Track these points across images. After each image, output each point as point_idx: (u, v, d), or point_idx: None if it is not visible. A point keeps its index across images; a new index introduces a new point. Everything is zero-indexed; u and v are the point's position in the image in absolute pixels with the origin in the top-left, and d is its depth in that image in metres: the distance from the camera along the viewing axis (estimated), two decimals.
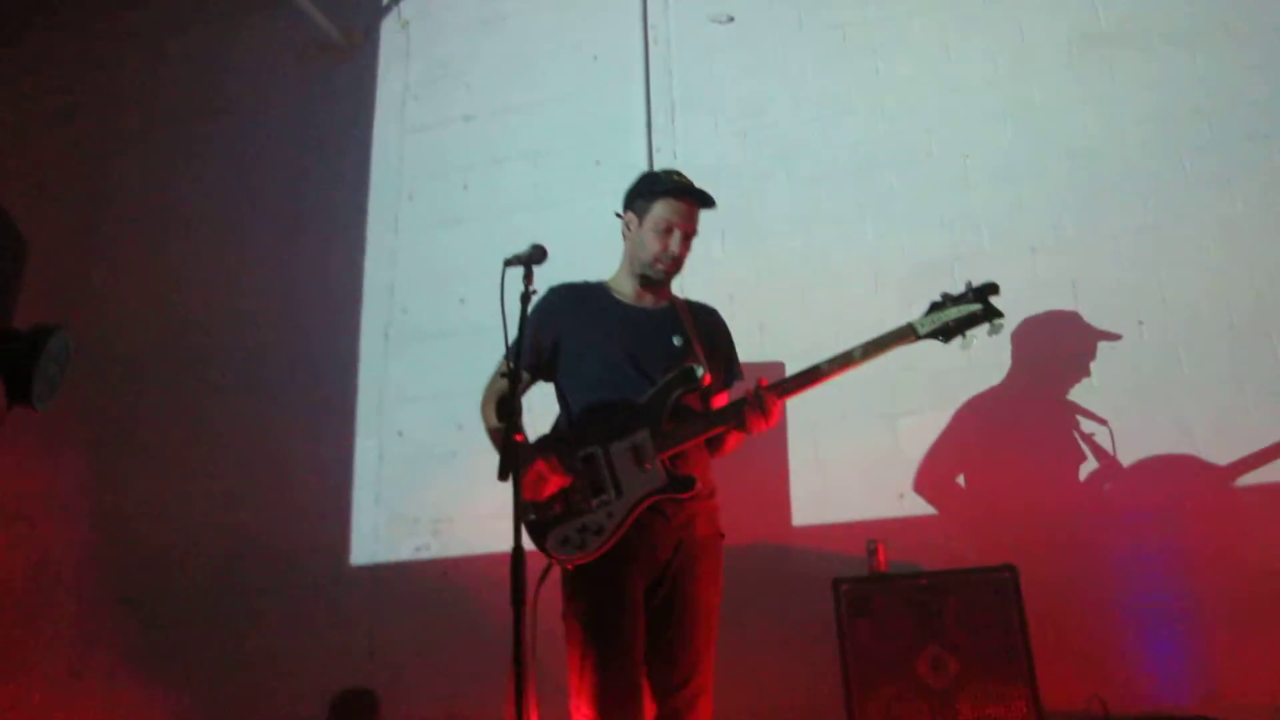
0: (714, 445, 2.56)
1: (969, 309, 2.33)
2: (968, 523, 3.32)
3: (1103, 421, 3.30)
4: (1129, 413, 3.30)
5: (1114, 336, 3.40)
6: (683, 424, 2.39)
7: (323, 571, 3.99)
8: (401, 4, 4.87)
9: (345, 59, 4.83)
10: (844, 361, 2.39)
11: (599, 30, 4.47)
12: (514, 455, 2.14)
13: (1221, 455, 3.19)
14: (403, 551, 3.96)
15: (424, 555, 3.92)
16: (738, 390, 2.57)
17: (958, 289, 3.46)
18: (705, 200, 2.54)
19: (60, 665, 4.11)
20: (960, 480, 3.48)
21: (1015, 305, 3.50)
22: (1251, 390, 3.25)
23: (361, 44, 4.84)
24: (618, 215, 2.64)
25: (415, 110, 4.66)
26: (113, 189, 4.94)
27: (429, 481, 3.99)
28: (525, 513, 2.32)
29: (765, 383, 2.38)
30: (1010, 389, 3.48)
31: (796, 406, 3.64)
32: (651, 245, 2.52)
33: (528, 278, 2.32)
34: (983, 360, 3.51)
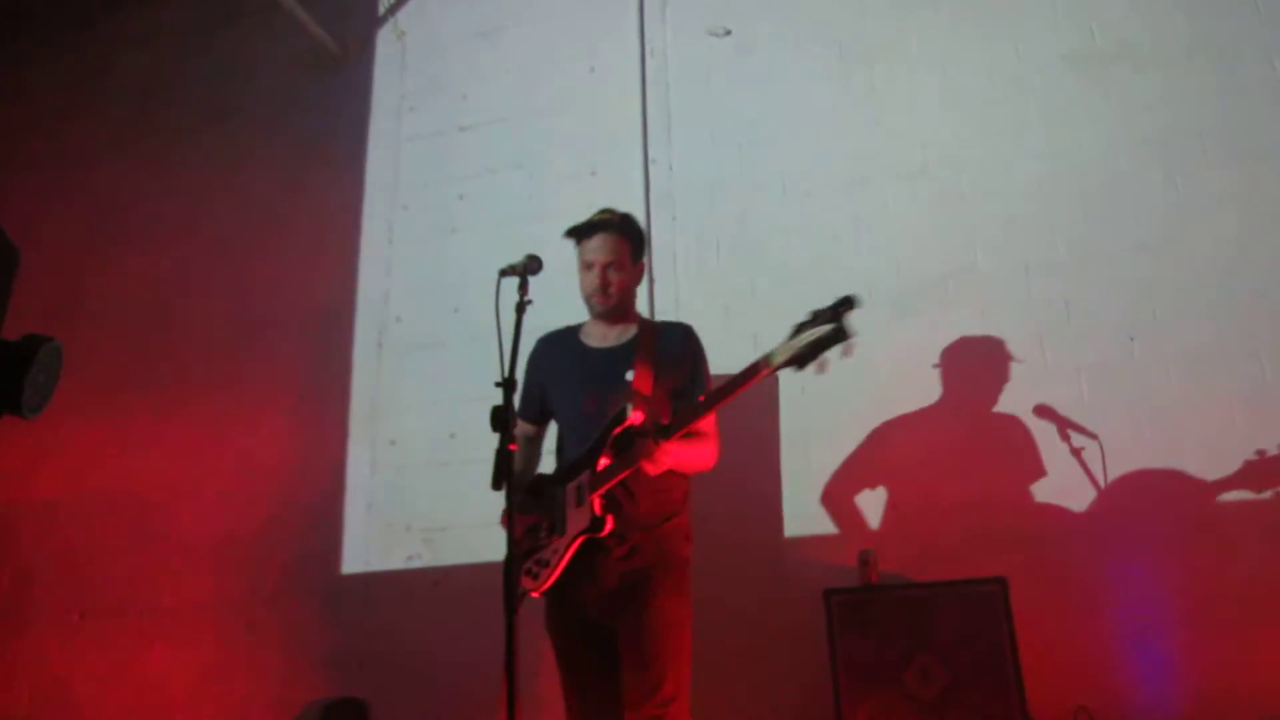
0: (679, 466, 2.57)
1: (819, 333, 2.22)
2: (958, 535, 3.33)
3: (1093, 436, 3.32)
4: (1119, 429, 3.32)
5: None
6: (613, 464, 2.46)
7: (314, 579, 3.99)
8: (398, 14, 4.90)
9: (341, 69, 4.85)
10: (715, 400, 2.42)
11: (596, 42, 4.50)
12: (508, 465, 2.22)
13: (1209, 472, 3.21)
14: (394, 560, 3.95)
15: (416, 564, 3.92)
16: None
17: (945, 302, 3.53)
18: (608, 226, 2.67)
19: (46, 675, 4.10)
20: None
21: (1008, 322, 3.58)
22: (1240, 408, 3.28)
23: (358, 54, 4.86)
24: None
25: (411, 120, 4.68)
26: (105, 197, 4.95)
27: (421, 490, 3.99)
28: (509, 549, 2.46)
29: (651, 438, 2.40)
30: (993, 403, 3.50)
31: (789, 417, 3.68)
32: (583, 285, 2.71)
33: (523, 288, 2.38)
34: (978, 375, 3.54)
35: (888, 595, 2.99)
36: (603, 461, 2.47)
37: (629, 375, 2.59)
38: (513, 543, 2.48)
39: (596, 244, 2.67)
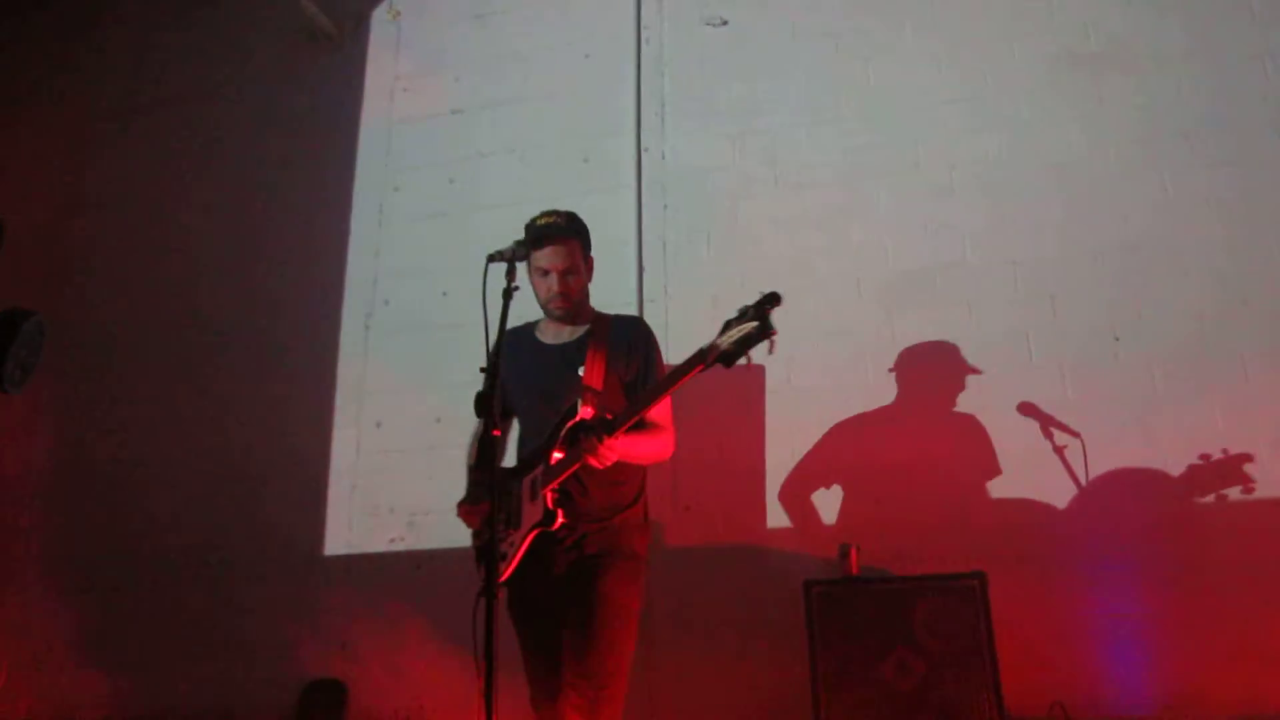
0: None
1: (745, 330, 2.21)
2: (939, 530, 3.35)
3: (1076, 435, 3.35)
4: (1102, 427, 3.34)
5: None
6: (564, 458, 2.48)
7: (296, 561, 3.99)
8: None
9: (334, 48, 4.81)
10: (651, 397, 2.43)
11: (592, 28, 4.48)
12: (490, 450, 2.29)
13: (1190, 470, 3.24)
14: (377, 543, 3.95)
15: (398, 548, 3.92)
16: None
17: (932, 297, 3.53)
18: (560, 231, 2.62)
19: (26, 653, 4.08)
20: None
21: (995, 317, 3.60)
22: (1221, 408, 3.31)
23: (351, 34, 4.83)
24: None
25: (403, 102, 4.65)
26: (95, 176, 4.91)
27: (406, 474, 3.99)
28: (473, 539, 2.69)
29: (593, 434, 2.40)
30: (977, 399, 3.52)
31: (774, 410, 3.69)
32: (539, 291, 2.69)
33: (510, 274, 2.39)
34: (964, 371, 3.56)
35: (867, 588, 3.01)
36: (555, 456, 2.49)
37: (580, 371, 2.60)
38: (476, 536, 2.64)
39: (550, 252, 2.62)
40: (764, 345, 2.20)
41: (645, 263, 4.04)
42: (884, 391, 3.58)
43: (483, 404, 2.25)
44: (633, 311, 3.84)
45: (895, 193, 3.88)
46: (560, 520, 2.47)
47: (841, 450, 3.57)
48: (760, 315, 2.21)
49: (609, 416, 2.43)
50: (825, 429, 3.58)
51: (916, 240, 3.78)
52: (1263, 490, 3.15)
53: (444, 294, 4.18)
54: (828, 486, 3.56)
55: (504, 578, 2.49)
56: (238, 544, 4.05)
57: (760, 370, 3.71)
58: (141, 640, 4.01)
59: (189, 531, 4.12)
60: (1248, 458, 3.17)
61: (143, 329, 4.52)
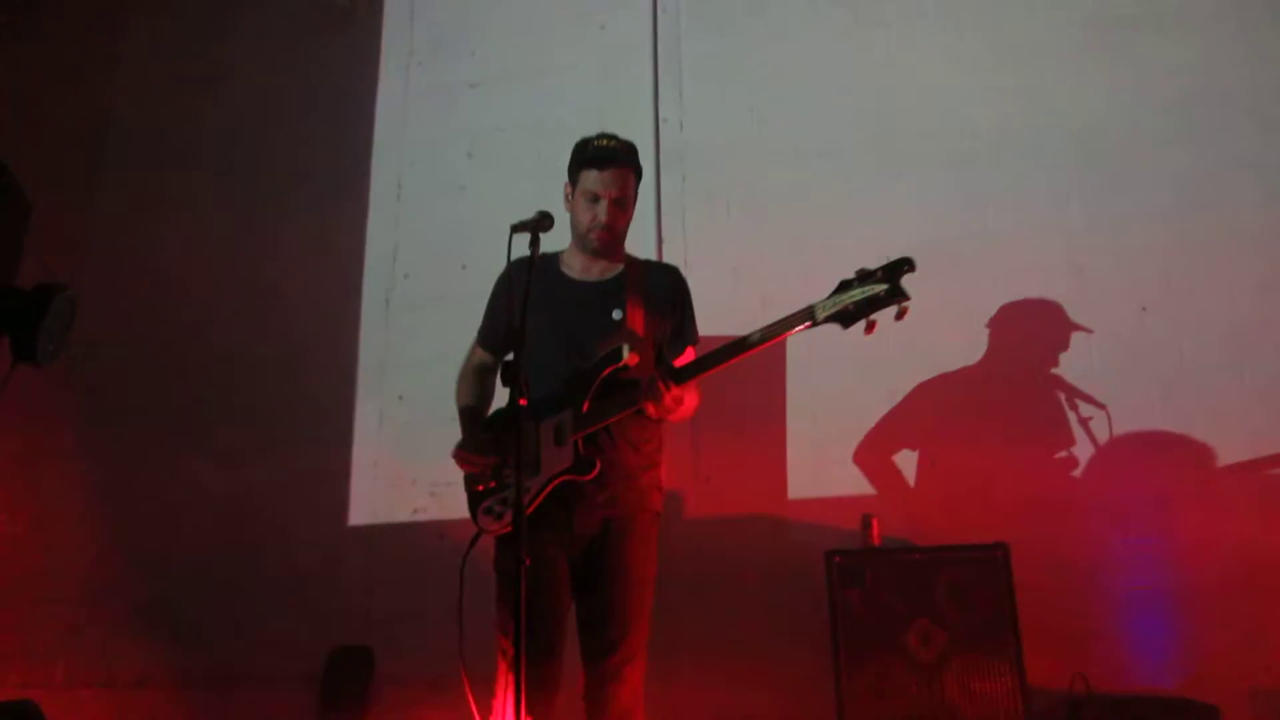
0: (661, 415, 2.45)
1: (873, 290, 2.14)
2: (962, 501, 3.35)
3: (1102, 407, 3.32)
4: (1127, 399, 3.32)
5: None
6: (601, 405, 2.36)
7: (322, 532, 4.04)
8: None
9: (350, 22, 4.79)
10: (741, 348, 2.30)
11: None
12: (518, 419, 2.12)
13: (1216, 443, 3.22)
14: (400, 514, 3.99)
15: (421, 518, 3.96)
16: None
17: (956, 267, 3.50)
18: (623, 158, 2.48)
19: (64, 620, 4.15)
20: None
21: (1020, 289, 3.56)
22: (1250, 380, 3.27)
23: (366, 7, 4.80)
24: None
25: (419, 76, 4.63)
26: (113, 155, 4.92)
27: (428, 445, 3.95)
28: (467, 485, 2.50)
29: (659, 379, 2.31)
30: (1003, 370, 3.50)
31: (795, 381, 3.68)
32: (582, 216, 2.51)
33: (534, 244, 2.33)
34: (981, 340, 3.54)
35: (889, 558, 3.01)
36: (588, 403, 2.35)
37: (616, 314, 2.46)
38: (473, 482, 2.44)
39: (606, 177, 2.45)
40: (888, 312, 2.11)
41: (665, 234, 4.02)
42: (907, 363, 3.55)
43: (509, 373, 2.15)
44: None
45: (917, 162, 3.83)
46: (597, 469, 2.32)
47: (882, 419, 3.54)
48: (891, 279, 2.13)
49: (677, 368, 2.32)
50: (846, 401, 3.57)
51: (940, 210, 3.74)
52: None
53: (463, 267, 4.18)
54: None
55: (506, 529, 2.34)
56: (264, 516, 4.10)
57: (782, 341, 3.69)
58: (175, 607, 4.07)
59: (216, 504, 4.16)
60: None
61: (163, 304, 4.52)
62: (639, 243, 3.90)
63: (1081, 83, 3.74)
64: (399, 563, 3.91)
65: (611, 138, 2.52)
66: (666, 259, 3.96)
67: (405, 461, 4.05)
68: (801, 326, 2.22)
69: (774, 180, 3.98)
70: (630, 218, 2.57)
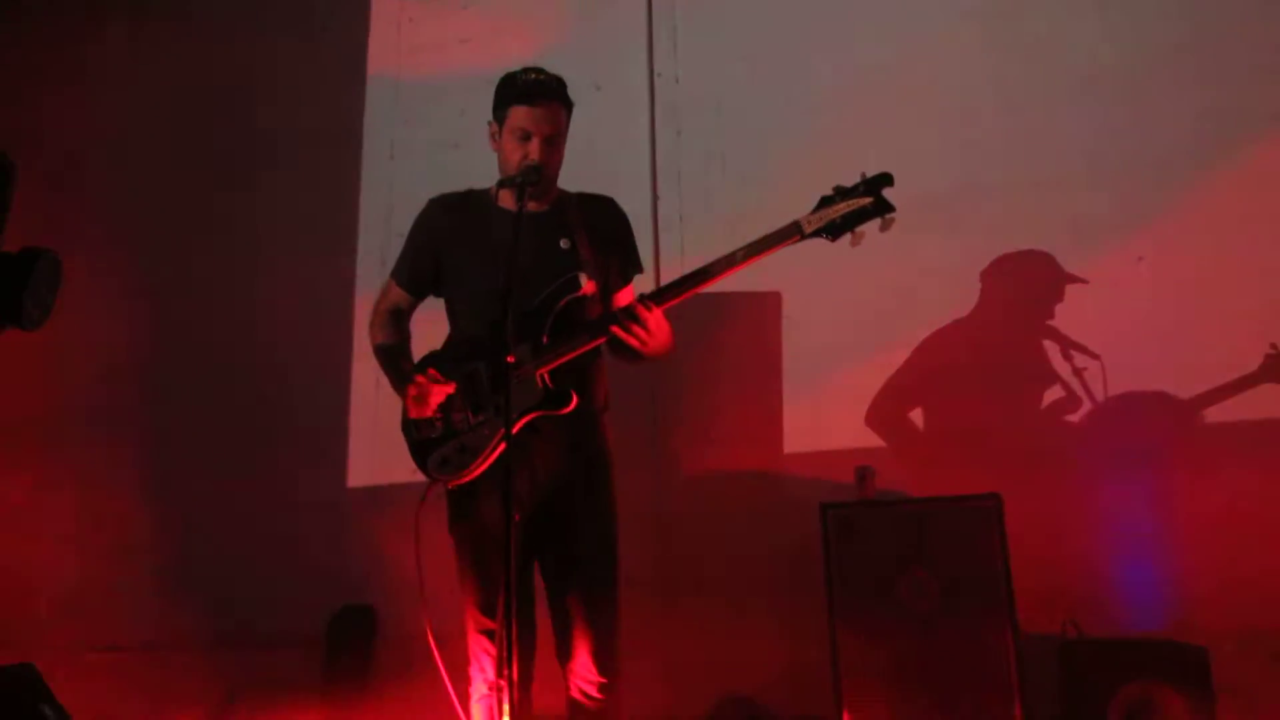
0: (619, 353, 2.37)
1: (857, 203, 2.18)
2: (956, 452, 3.37)
3: (1096, 357, 3.33)
4: (1122, 349, 3.32)
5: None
6: (562, 338, 2.26)
7: (322, 491, 4.08)
8: None
9: None
10: (727, 264, 2.24)
11: None
12: (508, 378, 2.05)
13: (1207, 392, 3.23)
14: (399, 474, 4.01)
15: (420, 477, 3.97)
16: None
17: (953, 219, 3.48)
18: (553, 92, 2.36)
19: (68, 583, 4.20)
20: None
21: (1016, 240, 3.55)
22: (1244, 331, 3.27)
23: None
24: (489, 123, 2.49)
25: (411, 32, 4.57)
26: (104, 108, 4.86)
27: None
28: (409, 432, 2.39)
29: (637, 305, 2.22)
30: (997, 321, 3.50)
31: (790, 334, 3.69)
32: (509, 156, 2.37)
33: (521, 200, 2.26)
34: (974, 293, 3.54)
35: (883, 510, 3.03)
36: (547, 335, 2.25)
37: (563, 243, 2.35)
38: (414, 431, 2.35)
39: (535, 114, 2.31)
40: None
41: (660, 191, 3.99)
42: (900, 315, 3.56)
43: (501, 336, 2.07)
44: (648, 240, 3.82)
45: (913, 113, 3.78)
46: (574, 403, 2.22)
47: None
48: (874, 191, 2.16)
49: (657, 289, 2.25)
50: (842, 354, 3.58)
51: (936, 162, 3.70)
52: (1274, 410, 3.14)
53: None
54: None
55: (481, 469, 2.26)
56: (265, 477, 4.13)
57: (777, 296, 3.69)
58: (178, 570, 4.12)
59: (216, 465, 4.19)
60: None
61: (156, 270, 4.50)
62: (635, 200, 3.91)
63: (1080, 28, 3.68)
64: (399, 523, 3.93)
65: (540, 71, 2.39)
66: (662, 215, 3.95)
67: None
68: (789, 241, 2.21)
69: (771, 134, 3.94)
70: (562, 156, 2.44)
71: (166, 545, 4.15)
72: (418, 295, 2.61)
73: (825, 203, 2.22)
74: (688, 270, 2.33)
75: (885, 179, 2.19)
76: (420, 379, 2.32)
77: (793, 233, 2.21)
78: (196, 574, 4.09)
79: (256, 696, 3.73)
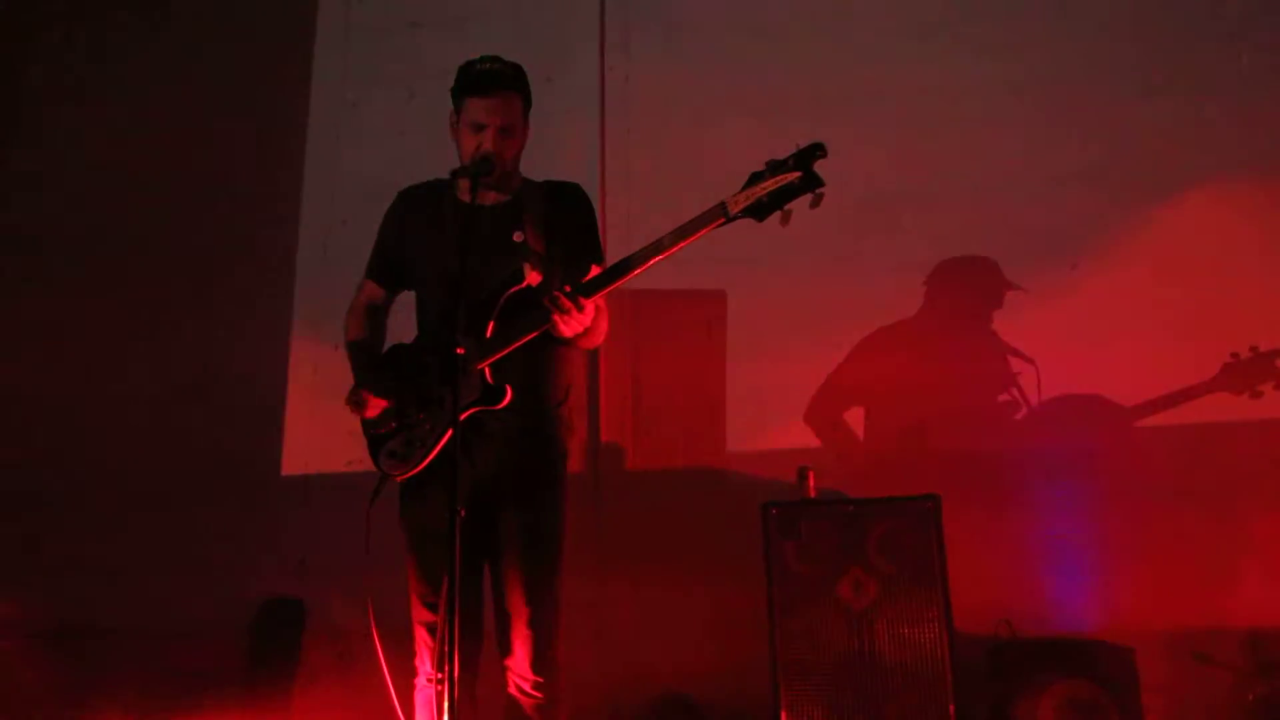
0: (560, 342, 2.33)
1: (784, 179, 2.06)
2: (896, 454, 3.42)
3: (1030, 361, 3.41)
4: (1056, 354, 3.41)
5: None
6: (506, 330, 2.23)
7: (254, 481, 3.96)
8: None
9: None
10: (654, 251, 2.18)
11: None
12: (455, 367, 2.09)
13: (1137, 398, 3.34)
14: (334, 464, 3.93)
15: (356, 468, 3.89)
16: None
17: (900, 223, 3.53)
18: (507, 81, 2.32)
19: None
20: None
21: (958, 246, 3.62)
22: (1176, 336, 3.38)
23: None
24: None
25: (360, 14, 4.47)
26: (46, 89, 4.67)
27: None
28: (366, 429, 2.38)
29: (568, 288, 2.18)
30: (938, 323, 3.57)
31: (736, 332, 3.70)
32: (464, 147, 2.35)
33: (474, 191, 2.26)
34: (918, 295, 3.59)
35: (824, 510, 3.06)
36: (491, 327, 2.23)
37: (517, 236, 2.33)
38: (370, 427, 2.33)
39: (489, 105, 2.28)
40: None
41: (609, 188, 3.97)
42: (845, 316, 3.60)
43: (452, 322, 2.11)
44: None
45: (862, 120, 3.83)
46: (509, 397, 2.19)
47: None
48: (804, 166, 2.04)
49: (585, 280, 2.20)
50: (786, 352, 3.60)
51: (883, 168, 3.75)
52: (1199, 415, 3.27)
53: None
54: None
55: (424, 463, 2.22)
56: (196, 464, 3.99)
57: (722, 294, 3.71)
58: (97, 556, 3.96)
59: (146, 449, 4.04)
60: None
61: (92, 249, 4.34)
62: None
63: (1020, 40, 3.78)
64: (332, 515, 3.84)
65: (495, 60, 2.35)
66: (610, 213, 3.91)
67: (340, 412, 3.96)
68: (714, 224, 2.13)
69: (720, 135, 3.91)
70: (520, 146, 2.40)
71: (87, 532, 3.98)
72: (390, 289, 2.60)
73: (755, 179, 2.11)
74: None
75: (816, 149, 2.06)
76: (363, 393, 2.34)
77: (718, 215, 2.12)
78: (117, 561, 3.92)
79: (177, 687, 3.60)
